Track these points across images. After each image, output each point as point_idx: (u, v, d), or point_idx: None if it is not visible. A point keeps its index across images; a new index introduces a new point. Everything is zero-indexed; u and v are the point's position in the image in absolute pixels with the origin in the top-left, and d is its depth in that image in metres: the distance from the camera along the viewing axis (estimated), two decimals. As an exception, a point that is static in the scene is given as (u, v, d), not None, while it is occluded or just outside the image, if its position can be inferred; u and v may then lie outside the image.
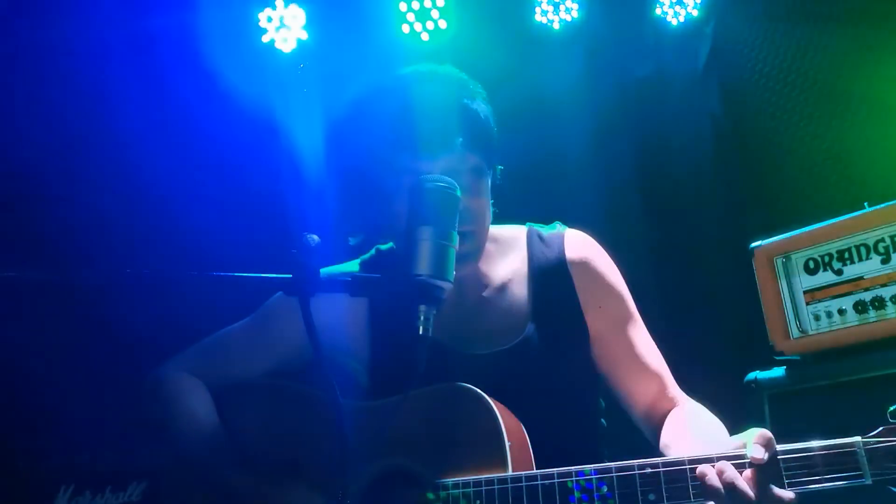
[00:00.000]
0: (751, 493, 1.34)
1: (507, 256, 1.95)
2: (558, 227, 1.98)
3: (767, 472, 1.36)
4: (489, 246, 1.93)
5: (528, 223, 2.01)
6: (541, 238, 1.95)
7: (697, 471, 1.38)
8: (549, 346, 1.81)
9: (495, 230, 1.99)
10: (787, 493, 1.35)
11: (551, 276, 1.89)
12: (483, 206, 1.79)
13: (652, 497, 1.40)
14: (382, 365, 1.85)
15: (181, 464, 1.78)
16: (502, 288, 1.90)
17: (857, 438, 1.33)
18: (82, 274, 1.36)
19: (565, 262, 1.89)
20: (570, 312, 1.86)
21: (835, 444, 1.34)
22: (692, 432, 1.66)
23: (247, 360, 1.91)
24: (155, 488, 1.85)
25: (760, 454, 1.36)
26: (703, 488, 1.37)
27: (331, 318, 1.81)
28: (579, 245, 1.93)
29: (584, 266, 1.89)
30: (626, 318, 1.90)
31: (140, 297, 2.61)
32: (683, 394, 1.87)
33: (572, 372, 1.85)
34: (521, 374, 1.77)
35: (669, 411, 1.82)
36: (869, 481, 1.31)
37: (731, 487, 1.35)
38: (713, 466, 1.38)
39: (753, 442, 1.37)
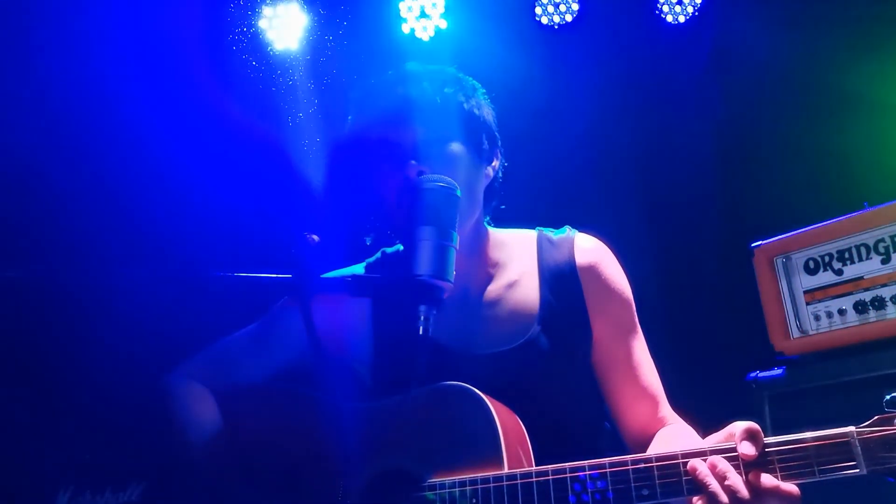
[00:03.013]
0: (743, 487, 1.33)
1: (516, 259, 1.95)
2: (568, 231, 1.98)
3: (759, 465, 1.35)
4: (498, 248, 1.94)
5: (536, 227, 2.01)
6: (550, 242, 1.95)
7: (689, 465, 1.38)
8: (555, 348, 1.81)
9: (504, 233, 2.00)
10: (788, 486, 1.33)
11: (560, 279, 1.89)
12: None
13: (645, 492, 1.40)
14: (384, 365, 1.86)
15: (184, 472, 1.79)
16: (509, 290, 1.91)
17: (851, 428, 1.31)
18: (84, 274, 1.36)
19: (575, 267, 1.89)
20: (577, 316, 1.86)
21: (828, 435, 1.33)
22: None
23: (252, 365, 1.93)
24: (155, 488, 1.85)
25: (752, 451, 1.35)
26: (695, 483, 1.37)
27: (333, 319, 1.82)
28: (590, 249, 1.93)
29: (594, 270, 1.89)
30: (629, 327, 1.90)
31: (141, 297, 2.61)
32: (675, 414, 1.87)
33: (577, 374, 1.85)
34: (526, 375, 1.77)
35: (658, 430, 1.82)
36: (864, 472, 1.29)
37: (723, 481, 1.34)
38: (705, 461, 1.38)
39: (741, 438, 1.37)
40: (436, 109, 1.79)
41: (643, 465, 1.41)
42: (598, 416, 1.93)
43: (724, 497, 1.33)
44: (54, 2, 3.11)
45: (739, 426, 1.39)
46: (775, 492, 1.32)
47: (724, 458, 1.37)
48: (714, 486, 1.34)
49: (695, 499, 1.38)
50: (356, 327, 1.90)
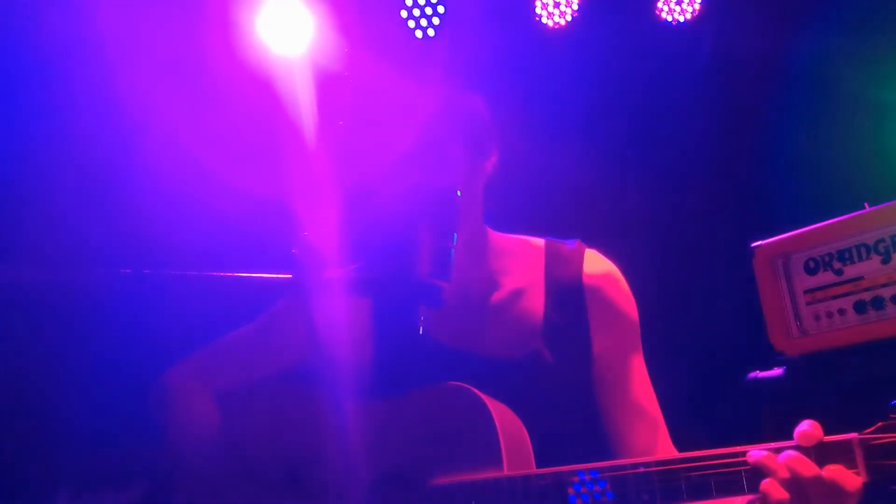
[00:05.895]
0: (817, 469, 1.28)
1: (522, 266, 1.94)
2: (577, 246, 1.95)
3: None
4: (502, 253, 1.94)
5: (545, 236, 2.00)
6: (559, 255, 1.93)
7: (749, 455, 1.33)
8: (558, 363, 1.80)
9: (509, 239, 1.99)
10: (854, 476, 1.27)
11: (566, 295, 1.87)
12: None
13: (645, 496, 1.39)
14: (383, 365, 1.86)
15: (182, 472, 1.79)
16: (514, 297, 1.90)
17: (854, 435, 1.30)
18: (83, 274, 1.36)
19: (581, 285, 1.88)
20: (578, 334, 1.85)
21: (830, 443, 1.31)
22: None
23: (251, 365, 1.93)
24: (155, 488, 1.85)
25: (811, 428, 1.31)
26: (699, 484, 1.34)
27: (332, 318, 1.82)
28: (597, 269, 1.92)
29: (600, 291, 1.88)
30: (631, 351, 1.89)
31: (140, 297, 2.60)
32: (673, 448, 1.85)
33: (580, 391, 1.84)
34: (529, 387, 1.76)
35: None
36: (866, 479, 1.27)
37: (792, 464, 1.28)
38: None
39: (799, 429, 1.32)
40: (430, 111, 1.79)
41: (643, 470, 1.41)
42: (601, 435, 1.92)
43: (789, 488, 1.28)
44: (55, 3, 3.11)
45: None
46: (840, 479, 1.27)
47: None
48: (783, 471, 1.29)
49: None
50: (355, 327, 1.90)
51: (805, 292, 2.43)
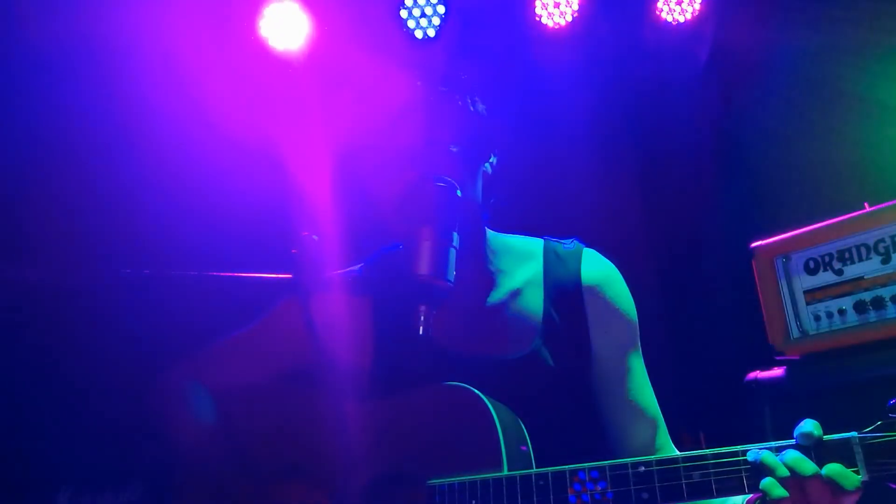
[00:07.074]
0: (815, 467, 1.28)
1: (521, 267, 1.94)
2: (576, 245, 1.96)
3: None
4: (501, 253, 1.94)
5: (544, 237, 2.00)
6: (557, 255, 1.93)
7: (748, 455, 1.34)
8: (557, 363, 1.80)
9: (508, 239, 1.99)
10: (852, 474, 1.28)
11: (564, 295, 1.87)
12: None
13: (645, 495, 1.39)
14: (383, 365, 1.86)
15: (182, 472, 1.80)
16: (513, 297, 1.90)
17: (854, 434, 1.30)
18: (83, 274, 1.36)
19: (580, 285, 1.88)
20: (578, 334, 1.85)
21: (829, 440, 1.32)
22: None
23: (251, 365, 1.93)
24: (155, 488, 1.86)
25: (811, 429, 1.31)
26: (700, 484, 1.34)
27: (333, 318, 1.82)
28: (596, 269, 1.91)
29: (599, 291, 1.88)
30: (629, 350, 1.88)
31: (140, 297, 2.60)
32: (673, 446, 1.86)
33: (578, 390, 1.84)
34: (528, 387, 1.76)
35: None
36: (865, 478, 1.28)
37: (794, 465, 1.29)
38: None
39: (800, 430, 1.33)
40: (432, 110, 1.79)
41: (643, 469, 1.41)
42: (600, 434, 1.91)
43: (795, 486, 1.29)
44: (55, 3, 3.11)
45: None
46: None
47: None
48: (782, 470, 1.30)
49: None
50: (356, 327, 1.90)
51: (805, 292, 2.44)
